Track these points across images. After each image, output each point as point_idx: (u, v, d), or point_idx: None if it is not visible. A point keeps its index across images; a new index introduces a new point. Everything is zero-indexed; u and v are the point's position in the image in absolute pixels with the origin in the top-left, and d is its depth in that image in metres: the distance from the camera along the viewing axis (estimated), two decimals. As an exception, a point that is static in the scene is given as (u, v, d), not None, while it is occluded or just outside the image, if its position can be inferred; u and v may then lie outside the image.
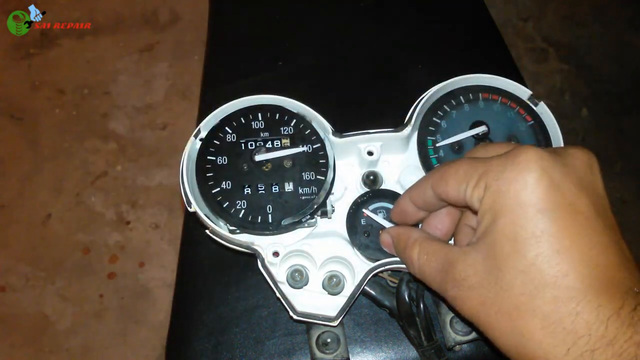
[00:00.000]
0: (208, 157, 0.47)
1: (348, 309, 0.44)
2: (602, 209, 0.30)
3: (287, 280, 0.44)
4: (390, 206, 0.47)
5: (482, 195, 0.31)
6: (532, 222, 0.28)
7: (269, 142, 0.47)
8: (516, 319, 0.28)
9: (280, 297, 0.44)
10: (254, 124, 0.49)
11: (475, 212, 0.33)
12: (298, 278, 0.45)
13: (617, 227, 0.31)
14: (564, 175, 0.29)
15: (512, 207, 0.29)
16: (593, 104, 1.48)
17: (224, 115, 0.49)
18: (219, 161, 0.47)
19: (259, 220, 0.44)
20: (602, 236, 0.29)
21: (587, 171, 0.31)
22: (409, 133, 0.49)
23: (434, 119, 0.49)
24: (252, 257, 0.45)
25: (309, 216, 0.45)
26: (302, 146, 0.48)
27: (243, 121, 0.49)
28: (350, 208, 0.47)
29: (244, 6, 0.77)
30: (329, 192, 0.46)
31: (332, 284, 0.45)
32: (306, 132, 0.48)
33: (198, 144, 0.47)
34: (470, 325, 0.34)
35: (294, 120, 0.49)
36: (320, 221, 0.48)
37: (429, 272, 0.35)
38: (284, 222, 0.44)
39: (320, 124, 0.49)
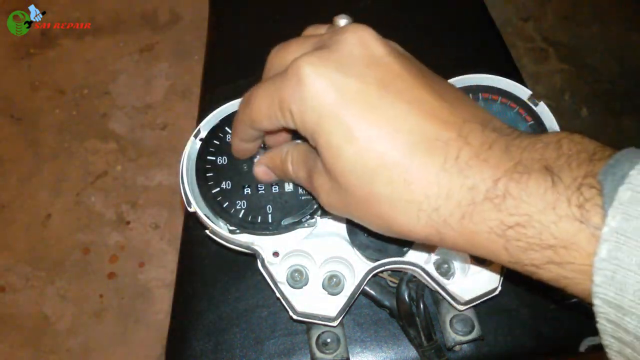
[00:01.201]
0: (208, 157, 0.47)
1: (348, 309, 0.44)
2: (394, 74, 0.30)
3: (287, 280, 0.44)
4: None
5: (293, 119, 0.32)
6: (339, 129, 0.29)
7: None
8: (372, 209, 0.30)
9: (280, 297, 0.44)
10: (254, 124, 0.49)
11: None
12: (298, 278, 0.45)
13: (428, 74, 0.32)
14: (340, 68, 0.30)
15: (319, 125, 0.30)
16: (593, 104, 1.48)
17: (224, 115, 0.49)
18: (219, 161, 0.47)
19: (259, 220, 0.44)
20: (402, 103, 0.29)
21: (362, 51, 0.31)
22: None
23: None
24: (252, 257, 0.45)
25: (309, 216, 0.45)
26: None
27: (243, 121, 0.49)
28: (350, 208, 0.47)
29: (244, 6, 0.77)
30: (329, 192, 0.46)
31: (332, 284, 0.45)
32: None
33: (198, 144, 0.47)
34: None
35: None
36: (320, 221, 0.48)
37: (303, 182, 0.37)
38: (284, 222, 0.44)
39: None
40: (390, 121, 0.28)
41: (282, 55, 0.37)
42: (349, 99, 0.29)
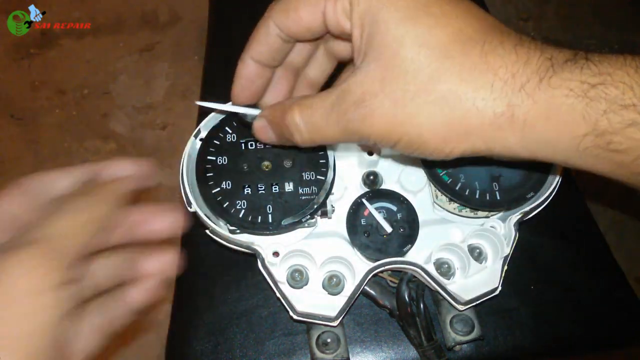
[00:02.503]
0: (208, 157, 0.47)
1: (348, 309, 0.44)
2: None
3: (287, 280, 0.44)
4: (391, 206, 0.47)
5: (347, 7, 0.30)
6: (404, 5, 0.28)
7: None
8: (436, 89, 0.28)
9: (280, 297, 0.44)
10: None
11: (339, 35, 0.32)
12: (298, 278, 0.45)
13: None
14: None
15: (381, 15, 0.28)
16: (593, 104, 1.48)
17: (224, 115, 0.49)
18: (219, 161, 0.47)
19: (259, 220, 0.44)
20: (461, 5, 0.29)
21: None
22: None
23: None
24: (252, 257, 0.45)
25: (309, 216, 0.45)
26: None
27: (243, 121, 0.49)
28: (351, 208, 0.47)
29: (244, 6, 0.77)
30: (329, 192, 0.46)
31: (332, 284, 0.45)
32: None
33: (198, 144, 0.47)
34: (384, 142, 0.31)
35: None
36: (320, 221, 0.48)
37: (321, 120, 0.32)
38: (284, 222, 0.44)
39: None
40: (461, 5, 0.28)
41: None
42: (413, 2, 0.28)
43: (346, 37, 0.32)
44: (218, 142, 0.47)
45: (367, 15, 0.29)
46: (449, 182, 0.45)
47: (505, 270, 0.45)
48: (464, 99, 0.27)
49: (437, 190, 0.47)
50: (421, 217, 0.46)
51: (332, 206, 0.47)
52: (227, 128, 0.48)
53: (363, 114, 0.30)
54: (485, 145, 0.28)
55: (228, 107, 0.41)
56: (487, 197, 0.45)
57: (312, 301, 0.44)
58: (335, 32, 0.32)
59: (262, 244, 0.45)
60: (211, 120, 0.48)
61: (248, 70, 0.37)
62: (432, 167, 0.46)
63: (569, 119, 0.25)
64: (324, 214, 0.46)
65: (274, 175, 0.46)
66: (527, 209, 0.45)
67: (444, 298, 0.45)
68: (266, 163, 0.47)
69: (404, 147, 0.30)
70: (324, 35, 0.35)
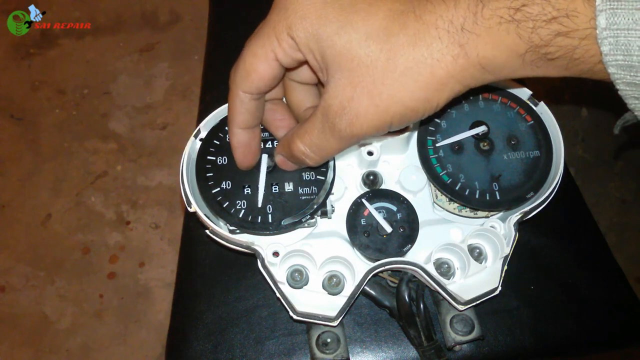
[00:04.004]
0: (208, 157, 0.47)
1: (348, 309, 0.44)
2: None
3: (287, 280, 0.44)
4: (391, 206, 0.47)
5: (292, 43, 0.33)
6: (337, 19, 0.31)
7: (269, 142, 0.47)
8: (397, 63, 0.31)
9: (280, 297, 0.44)
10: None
11: (297, 66, 0.37)
12: (298, 278, 0.45)
13: None
14: None
15: (315, 24, 0.32)
16: (593, 104, 1.48)
17: (224, 115, 0.49)
18: (219, 161, 0.47)
19: (259, 220, 0.44)
20: None
21: None
22: (409, 133, 0.49)
23: (434, 118, 0.48)
24: (252, 257, 0.45)
25: (309, 216, 0.45)
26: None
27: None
28: (350, 208, 0.47)
29: (244, 6, 0.77)
30: (329, 192, 0.46)
31: (332, 284, 0.45)
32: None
33: (198, 144, 0.47)
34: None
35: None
36: (320, 221, 0.48)
37: (319, 140, 0.36)
38: (284, 222, 0.44)
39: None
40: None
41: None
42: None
43: (304, 63, 0.36)
44: (218, 142, 0.47)
45: (311, 40, 0.33)
46: (449, 182, 0.45)
47: (505, 270, 0.45)
48: (423, 60, 0.30)
49: (437, 190, 0.47)
50: (421, 217, 0.46)
51: (332, 206, 0.47)
52: (227, 128, 0.48)
53: (349, 119, 0.33)
54: (461, 85, 0.32)
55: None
56: (487, 197, 0.45)
57: (312, 301, 0.44)
58: (293, 65, 0.36)
59: (262, 244, 0.45)
60: (211, 120, 0.48)
61: (240, 139, 0.42)
62: (432, 167, 0.46)
63: (509, 41, 0.29)
64: (324, 214, 0.46)
65: (274, 175, 0.46)
66: (527, 209, 0.45)
67: (444, 298, 0.45)
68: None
69: (399, 124, 0.34)
70: (284, 74, 0.39)
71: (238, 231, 0.45)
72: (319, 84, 0.42)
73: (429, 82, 0.31)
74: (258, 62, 0.35)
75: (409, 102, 0.32)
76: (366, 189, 0.49)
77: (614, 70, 0.27)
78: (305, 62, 0.36)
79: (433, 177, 0.46)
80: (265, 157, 0.45)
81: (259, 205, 0.44)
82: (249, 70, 0.36)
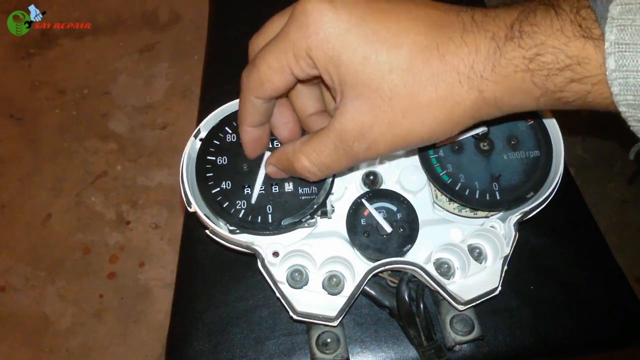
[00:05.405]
0: (208, 157, 0.47)
1: (348, 309, 0.44)
2: None
3: (287, 280, 0.44)
4: (391, 206, 0.47)
5: (311, 62, 0.34)
6: (363, 40, 0.32)
7: (269, 143, 0.47)
8: (416, 99, 0.32)
9: (280, 297, 0.44)
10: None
11: (309, 79, 0.37)
12: (298, 278, 0.45)
13: None
14: None
15: (341, 44, 0.32)
16: (593, 104, 1.47)
17: (224, 115, 0.49)
18: (219, 161, 0.47)
19: (259, 220, 0.44)
20: (408, 4, 0.33)
21: None
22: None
23: None
24: (252, 257, 0.45)
25: (309, 216, 0.45)
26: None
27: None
28: (350, 208, 0.47)
29: (244, 6, 0.77)
30: (329, 192, 0.46)
31: (332, 284, 0.45)
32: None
33: (198, 144, 0.47)
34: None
35: (294, 120, 0.49)
36: (320, 221, 0.48)
37: (329, 159, 0.37)
38: (284, 222, 0.44)
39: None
40: (402, 16, 0.32)
41: (262, 34, 0.39)
42: (357, 15, 0.32)
43: (318, 77, 0.36)
44: (218, 142, 0.47)
45: (330, 64, 0.33)
46: (449, 182, 0.45)
47: (505, 270, 0.45)
48: (444, 100, 0.32)
49: (437, 190, 0.47)
50: (421, 217, 0.46)
51: (332, 206, 0.47)
52: (227, 128, 0.48)
53: (367, 145, 0.34)
54: (475, 120, 0.33)
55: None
56: (487, 197, 0.45)
57: (312, 301, 0.44)
58: (308, 79, 0.36)
59: (262, 244, 0.45)
60: (211, 120, 0.48)
61: (251, 136, 0.43)
62: (432, 167, 0.46)
63: (525, 87, 0.30)
64: (324, 214, 0.46)
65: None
66: (527, 209, 0.45)
67: (444, 298, 0.45)
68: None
69: (412, 148, 0.36)
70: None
71: (238, 231, 0.45)
72: (323, 85, 0.42)
73: (447, 120, 0.32)
74: (273, 74, 0.36)
75: (425, 135, 0.34)
76: (366, 189, 0.49)
77: (625, 109, 0.28)
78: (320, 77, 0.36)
79: (433, 177, 0.46)
80: (267, 154, 0.46)
81: (253, 201, 0.45)
82: (263, 80, 0.36)
